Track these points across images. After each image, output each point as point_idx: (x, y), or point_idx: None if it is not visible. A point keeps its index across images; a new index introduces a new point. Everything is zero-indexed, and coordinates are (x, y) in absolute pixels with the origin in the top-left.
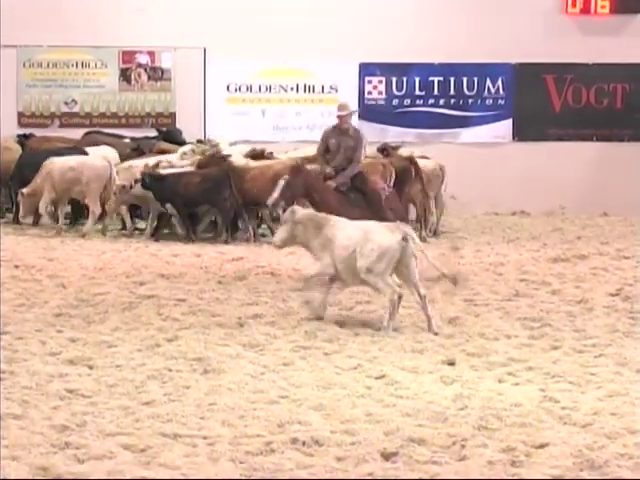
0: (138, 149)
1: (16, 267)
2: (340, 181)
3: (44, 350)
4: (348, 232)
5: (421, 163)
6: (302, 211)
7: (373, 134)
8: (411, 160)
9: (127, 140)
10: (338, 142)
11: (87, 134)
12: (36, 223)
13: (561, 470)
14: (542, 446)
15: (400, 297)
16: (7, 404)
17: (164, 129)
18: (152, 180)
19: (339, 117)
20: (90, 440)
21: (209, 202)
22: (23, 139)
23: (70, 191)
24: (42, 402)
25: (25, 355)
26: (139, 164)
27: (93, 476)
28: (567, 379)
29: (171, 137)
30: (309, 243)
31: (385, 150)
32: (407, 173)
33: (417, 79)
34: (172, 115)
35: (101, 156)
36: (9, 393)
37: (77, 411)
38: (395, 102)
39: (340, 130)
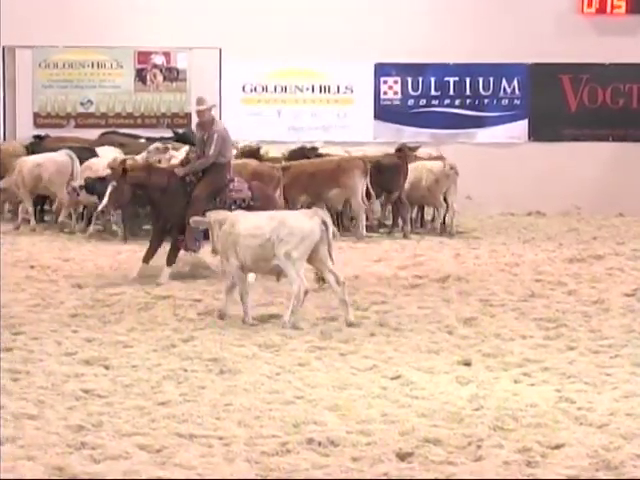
0: None
1: (32, 267)
2: (186, 171)
3: (60, 350)
4: (255, 222)
5: (429, 164)
6: (213, 214)
7: (389, 134)
8: (400, 157)
9: (143, 140)
10: (201, 136)
11: (104, 134)
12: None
13: (577, 470)
14: (558, 447)
15: (306, 292)
16: (23, 404)
17: (179, 130)
18: (95, 184)
19: (197, 112)
20: (106, 440)
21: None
22: (38, 140)
23: (36, 188)
24: (58, 402)
25: (41, 355)
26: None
27: (109, 476)
28: (583, 380)
29: (185, 138)
30: (216, 245)
31: (401, 151)
32: (396, 169)
33: (433, 79)
34: (187, 115)
35: (65, 152)
36: (25, 393)
37: (93, 411)
38: (411, 102)
39: (201, 125)
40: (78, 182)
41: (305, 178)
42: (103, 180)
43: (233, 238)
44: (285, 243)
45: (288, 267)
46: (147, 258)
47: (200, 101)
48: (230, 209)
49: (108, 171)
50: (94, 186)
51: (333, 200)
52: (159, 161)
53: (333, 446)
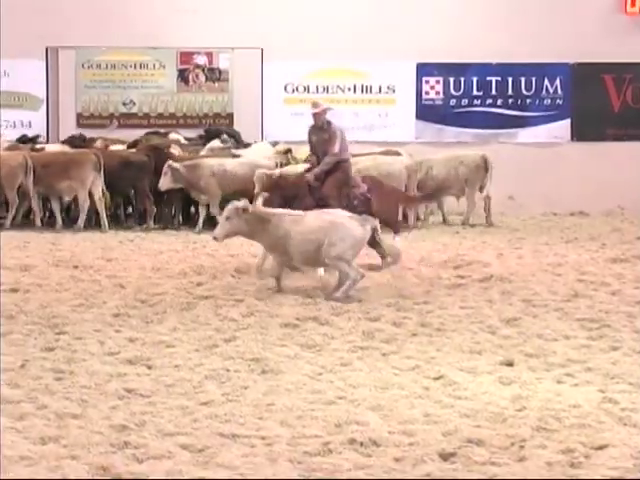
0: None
1: (75, 267)
2: (315, 174)
3: (103, 350)
4: (309, 226)
5: (390, 159)
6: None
7: (430, 134)
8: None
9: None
10: (317, 139)
11: (147, 134)
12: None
13: (621, 471)
14: (601, 447)
15: (362, 276)
16: (66, 403)
17: (207, 128)
18: None
19: (314, 115)
20: (149, 440)
21: None
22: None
23: None
24: (101, 402)
25: (84, 355)
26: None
27: (152, 476)
28: (627, 380)
29: (215, 134)
30: (255, 237)
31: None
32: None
33: (475, 79)
34: (229, 116)
35: None
36: (68, 393)
37: (136, 411)
38: (452, 102)
39: (318, 127)
40: None
41: (39, 169)
42: None
43: (285, 243)
44: (336, 247)
45: (339, 266)
46: None
47: (315, 104)
48: (353, 203)
49: None
50: None
51: (63, 192)
52: None
53: (375, 446)
